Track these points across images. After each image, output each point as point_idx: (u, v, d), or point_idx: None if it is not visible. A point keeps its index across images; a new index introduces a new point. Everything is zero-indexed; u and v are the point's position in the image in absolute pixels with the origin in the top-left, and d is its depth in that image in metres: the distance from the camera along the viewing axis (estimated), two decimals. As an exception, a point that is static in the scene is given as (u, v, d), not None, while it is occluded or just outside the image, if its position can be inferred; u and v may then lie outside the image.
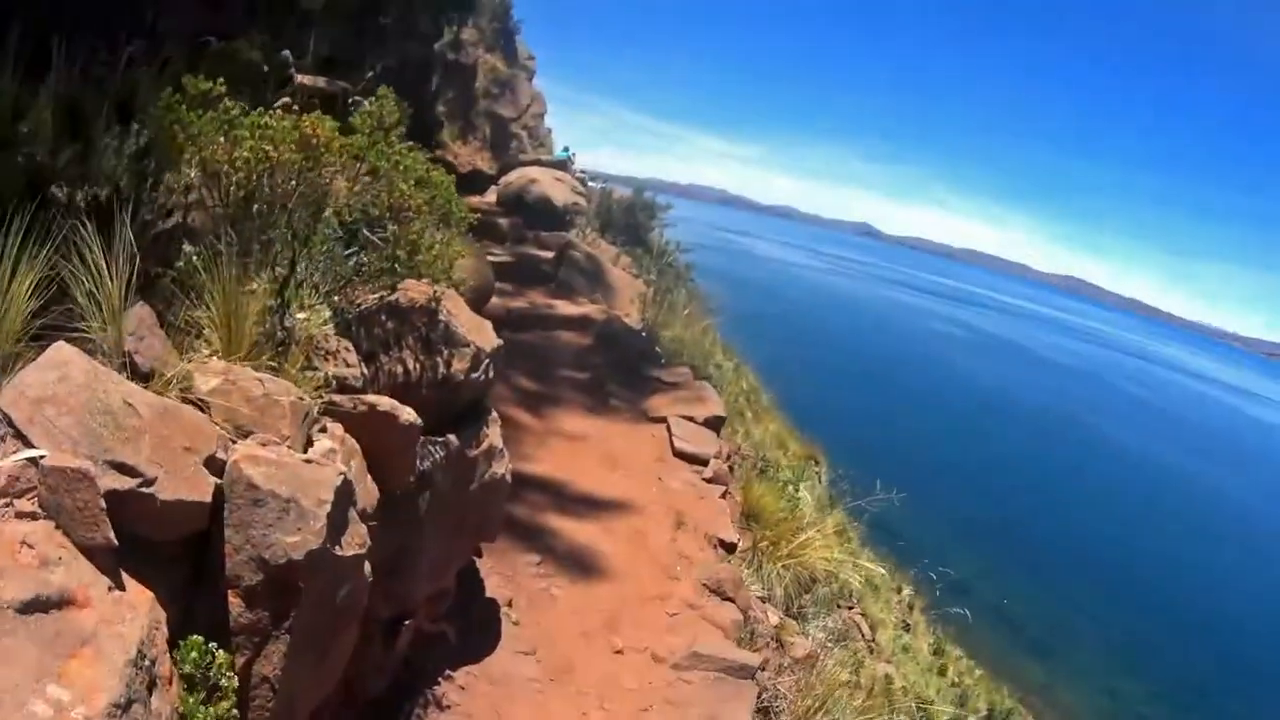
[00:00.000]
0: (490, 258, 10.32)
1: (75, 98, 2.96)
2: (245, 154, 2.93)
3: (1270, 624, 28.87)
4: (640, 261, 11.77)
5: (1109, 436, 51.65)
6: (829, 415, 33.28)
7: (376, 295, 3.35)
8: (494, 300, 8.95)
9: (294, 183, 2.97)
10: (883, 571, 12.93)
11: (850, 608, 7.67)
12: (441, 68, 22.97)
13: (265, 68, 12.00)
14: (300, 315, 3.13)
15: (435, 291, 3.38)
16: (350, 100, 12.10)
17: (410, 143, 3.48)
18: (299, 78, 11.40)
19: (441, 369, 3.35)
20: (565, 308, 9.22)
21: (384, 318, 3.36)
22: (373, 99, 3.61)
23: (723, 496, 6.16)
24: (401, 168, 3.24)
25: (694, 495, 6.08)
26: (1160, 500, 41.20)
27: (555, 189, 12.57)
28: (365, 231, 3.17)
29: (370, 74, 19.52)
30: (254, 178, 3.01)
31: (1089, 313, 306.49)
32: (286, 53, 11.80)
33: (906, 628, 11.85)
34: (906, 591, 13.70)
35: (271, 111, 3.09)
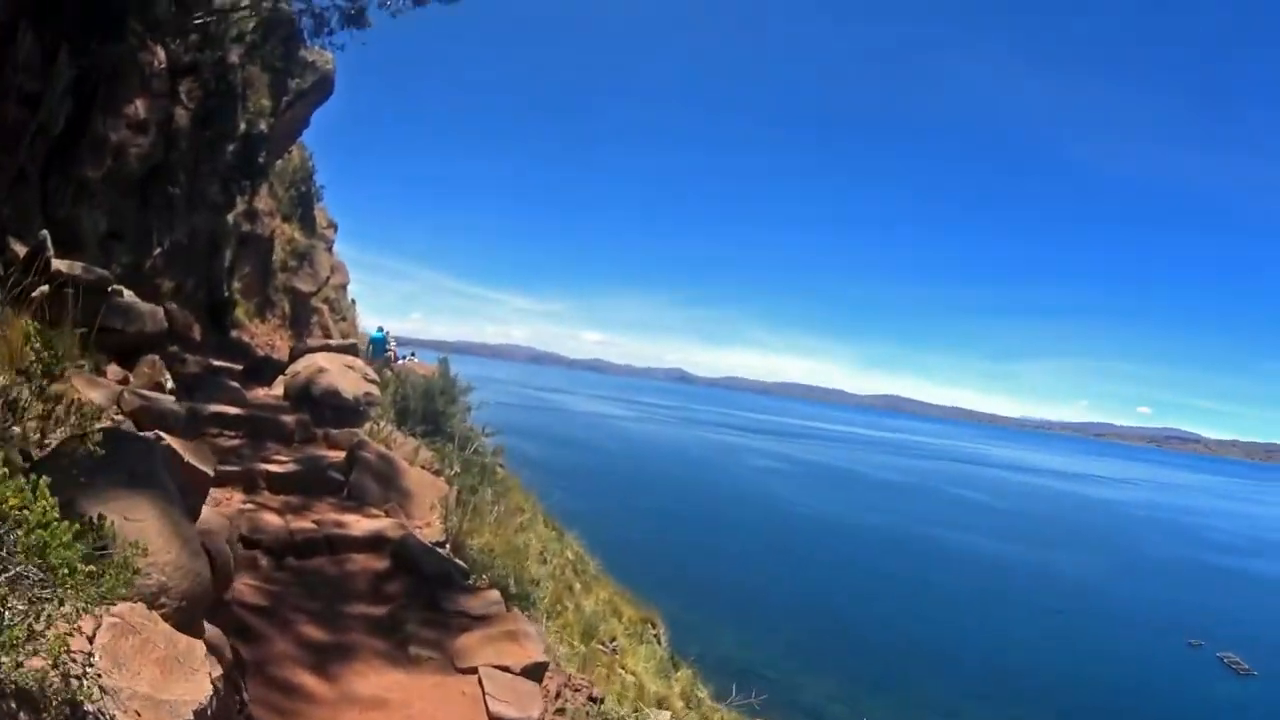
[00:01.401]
0: (273, 466, 9.07)
1: None
2: None
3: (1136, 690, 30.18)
4: (443, 453, 10.72)
5: (948, 544, 53.75)
6: (662, 565, 32.81)
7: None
8: (277, 520, 7.71)
9: None
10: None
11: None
12: (235, 240, 21.66)
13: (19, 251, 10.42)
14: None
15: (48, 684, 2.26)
16: (111, 290, 10.69)
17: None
18: (55, 264, 9.93)
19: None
20: (357, 523, 8.01)
21: (14, 704, 2.26)
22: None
23: (551, 776, 5.08)
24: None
25: (517, 778, 4.98)
26: (1009, 593, 42.76)
27: (345, 379, 11.43)
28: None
29: (158, 250, 18.03)
30: None
31: (912, 428, 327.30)
32: (45, 234, 10.33)
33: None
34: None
35: None
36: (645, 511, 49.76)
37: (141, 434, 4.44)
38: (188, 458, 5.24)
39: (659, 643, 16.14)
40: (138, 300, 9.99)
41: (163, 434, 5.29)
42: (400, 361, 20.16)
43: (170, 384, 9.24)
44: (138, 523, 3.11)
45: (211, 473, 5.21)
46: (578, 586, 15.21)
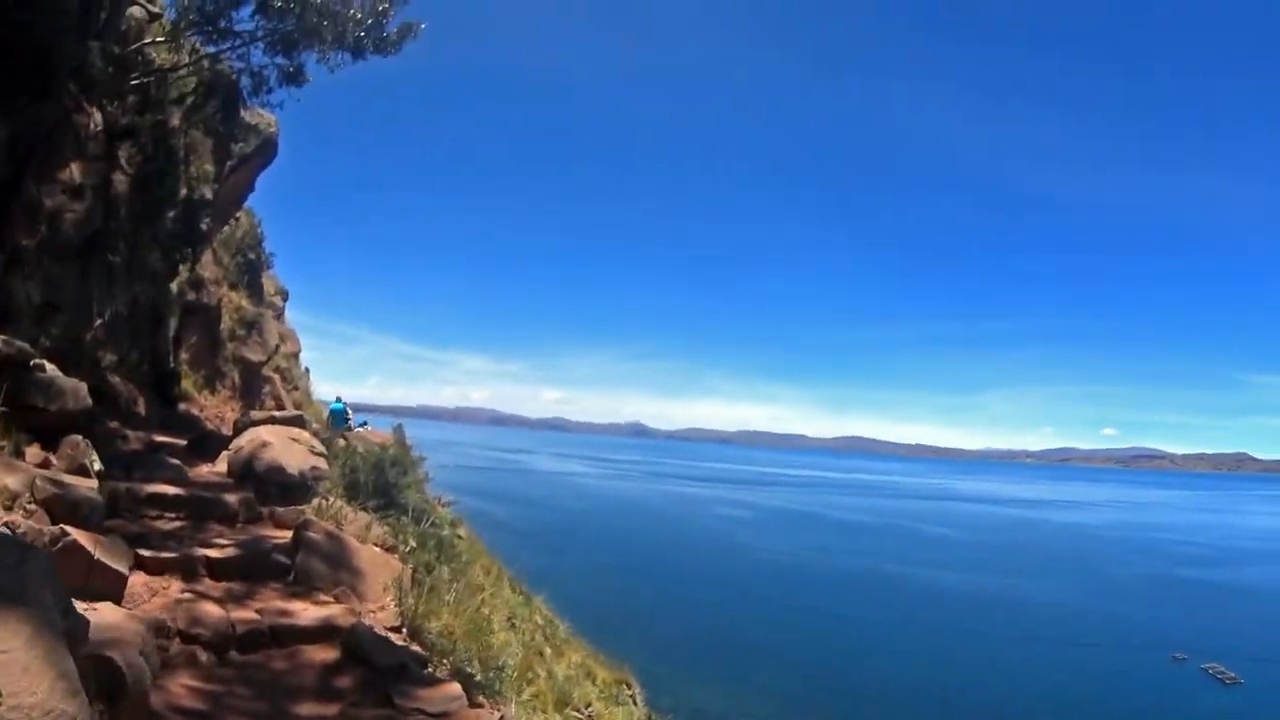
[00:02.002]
0: (214, 551, 8.38)
1: None
2: None
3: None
4: (397, 528, 10.06)
5: (919, 581, 53.52)
6: (632, 620, 32.20)
7: None
8: (218, 611, 7.02)
9: None
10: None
11: None
12: (180, 309, 20.91)
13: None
14: None
15: None
16: (32, 364, 9.96)
17: None
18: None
19: None
20: (304, 611, 7.33)
21: None
22: None
23: None
24: None
25: None
26: (987, 625, 42.50)
27: (290, 453, 10.75)
28: None
29: (98, 321, 17.17)
30: None
31: (875, 467, 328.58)
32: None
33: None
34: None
35: None
36: (613, 568, 49.22)
37: (17, 538, 3.84)
38: (98, 555, 4.65)
39: (635, 703, 15.57)
40: (60, 375, 9.31)
41: (69, 529, 4.69)
42: (355, 429, 19.45)
43: (97, 465, 8.54)
44: (1, 654, 2.53)
45: (126, 571, 4.59)
46: (548, 652, 14.60)
